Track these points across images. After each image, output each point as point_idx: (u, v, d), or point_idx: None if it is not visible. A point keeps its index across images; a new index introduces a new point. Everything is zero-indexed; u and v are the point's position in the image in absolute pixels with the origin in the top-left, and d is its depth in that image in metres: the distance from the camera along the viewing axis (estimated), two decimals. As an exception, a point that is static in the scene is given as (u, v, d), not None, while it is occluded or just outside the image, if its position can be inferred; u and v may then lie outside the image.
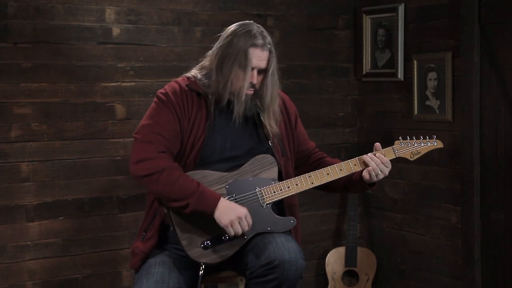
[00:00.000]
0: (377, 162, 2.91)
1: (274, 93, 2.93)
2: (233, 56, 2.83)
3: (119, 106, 3.97)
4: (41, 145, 3.78)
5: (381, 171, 2.92)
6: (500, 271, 3.93)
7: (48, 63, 3.78)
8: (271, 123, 2.94)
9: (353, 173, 2.96)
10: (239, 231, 2.77)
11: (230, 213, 2.75)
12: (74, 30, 3.82)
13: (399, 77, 4.39)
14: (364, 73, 4.63)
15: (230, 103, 2.90)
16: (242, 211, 2.77)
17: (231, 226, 2.76)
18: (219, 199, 2.77)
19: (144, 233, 2.93)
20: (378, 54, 4.54)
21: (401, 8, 4.35)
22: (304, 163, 3.08)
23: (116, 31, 3.94)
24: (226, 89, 2.86)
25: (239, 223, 2.76)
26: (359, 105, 4.73)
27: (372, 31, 4.56)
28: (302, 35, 4.51)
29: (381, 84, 4.56)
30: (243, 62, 2.82)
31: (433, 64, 4.17)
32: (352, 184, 3.01)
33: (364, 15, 4.59)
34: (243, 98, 2.87)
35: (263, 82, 2.90)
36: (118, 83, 3.96)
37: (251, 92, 2.88)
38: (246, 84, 2.85)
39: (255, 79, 2.87)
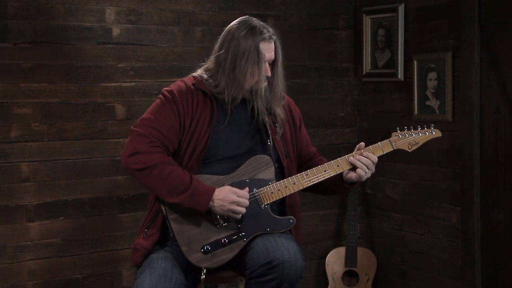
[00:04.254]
0: (367, 162, 2.89)
1: (283, 82, 2.97)
2: (245, 55, 2.85)
3: (119, 106, 3.97)
4: (41, 145, 3.78)
5: (369, 169, 2.90)
6: (500, 271, 3.93)
7: (48, 63, 3.78)
8: (280, 111, 2.96)
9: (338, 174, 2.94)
10: (242, 211, 2.80)
11: (223, 205, 2.78)
12: (74, 30, 3.83)
13: (399, 77, 4.39)
14: (364, 73, 4.63)
15: (242, 101, 2.91)
16: (231, 196, 2.78)
17: (232, 213, 2.79)
18: (211, 197, 2.78)
19: (146, 230, 2.93)
20: (378, 54, 4.54)
21: (401, 8, 4.35)
22: (304, 167, 3.07)
23: (116, 31, 3.94)
24: (242, 88, 2.87)
25: (237, 206, 2.79)
26: (359, 105, 4.73)
27: (372, 31, 4.56)
28: (302, 35, 4.51)
29: (381, 84, 4.56)
30: (256, 58, 2.85)
31: (433, 64, 4.17)
32: (336, 185, 2.99)
33: (364, 15, 4.59)
34: (263, 93, 2.89)
35: (273, 73, 2.93)
36: (118, 83, 3.96)
37: (265, 84, 2.91)
38: (263, 78, 2.87)
39: (269, 71, 2.90)
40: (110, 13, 3.92)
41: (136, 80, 4.01)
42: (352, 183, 2.96)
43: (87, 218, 3.91)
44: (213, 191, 2.80)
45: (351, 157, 2.90)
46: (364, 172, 2.89)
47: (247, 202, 2.81)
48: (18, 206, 3.75)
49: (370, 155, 2.90)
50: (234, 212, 2.79)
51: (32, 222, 3.78)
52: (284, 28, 4.43)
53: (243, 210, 2.81)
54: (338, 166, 2.92)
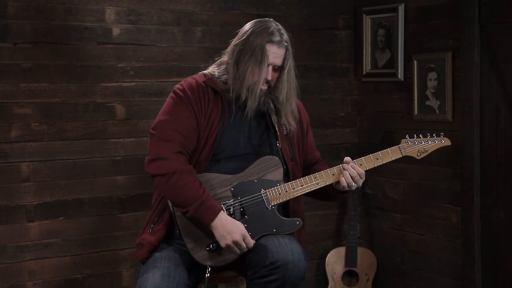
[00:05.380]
0: (353, 174, 2.89)
1: (290, 91, 2.94)
2: (249, 52, 2.85)
3: (119, 106, 3.97)
4: (41, 145, 3.78)
5: (355, 183, 2.90)
6: (500, 271, 3.93)
7: (48, 63, 3.78)
8: (290, 120, 2.95)
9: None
10: (238, 252, 2.78)
11: (226, 237, 2.75)
12: (74, 30, 3.82)
13: (399, 77, 4.39)
14: (364, 73, 4.63)
15: (246, 100, 2.90)
16: (238, 236, 2.75)
17: (229, 248, 2.78)
18: (216, 214, 2.76)
19: (152, 225, 2.93)
20: (378, 54, 4.54)
21: (401, 8, 4.35)
22: (307, 172, 3.05)
23: (116, 31, 3.94)
24: (243, 85, 2.86)
25: (235, 247, 2.77)
26: (359, 105, 4.73)
27: (372, 31, 4.56)
28: (302, 35, 4.51)
29: (381, 84, 4.56)
30: (259, 58, 2.84)
31: (433, 64, 4.17)
32: (330, 191, 2.99)
33: (364, 15, 4.59)
34: (258, 93, 2.87)
35: (279, 79, 2.91)
36: (118, 83, 3.96)
37: (265, 87, 2.90)
38: (262, 80, 2.85)
39: (270, 75, 2.88)
40: (110, 13, 3.92)
41: (136, 80, 4.00)
42: (343, 192, 2.97)
43: (87, 218, 3.91)
44: (219, 210, 2.78)
45: (344, 170, 2.90)
46: (354, 184, 2.89)
47: (245, 250, 2.78)
48: (18, 206, 3.75)
49: (357, 167, 2.90)
50: (229, 248, 2.77)
51: (32, 222, 3.78)
52: (284, 28, 4.41)
53: (238, 253, 2.78)
54: (345, 170, 2.92)
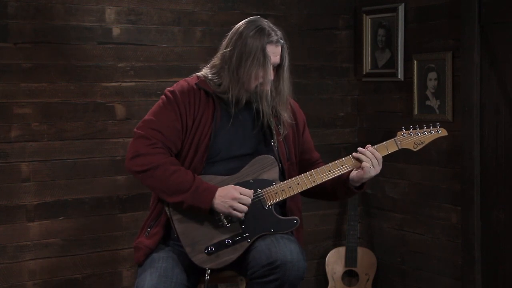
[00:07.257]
0: (370, 156, 2.86)
1: (288, 87, 2.96)
2: (251, 56, 2.83)
3: (119, 106, 3.97)
4: (41, 145, 3.78)
5: (373, 166, 2.86)
6: (500, 271, 3.93)
7: (48, 63, 3.78)
8: (287, 116, 2.95)
9: (342, 175, 2.90)
10: (244, 209, 2.78)
11: (226, 201, 2.77)
12: (74, 30, 3.83)
13: (399, 77, 4.39)
14: (364, 73, 4.63)
15: (246, 102, 2.90)
16: (233, 192, 2.77)
17: (233, 210, 2.78)
18: (213, 195, 2.77)
19: (149, 229, 2.93)
20: (378, 54, 4.54)
21: (401, 8, 4.35)
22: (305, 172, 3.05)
23: (116, 31, 3.94)
24: (246, 88, 2.86)
25: (238, 203, 2.77)
26: (359, 105, 4.73)
27: (372, 31, 4.56)
28: (302, 35, 4.51)
29: (381, 84, 4.56)
30: (262, 60, 2.83)
31: (433, 64, 4.17)
32: (339, 188, 2.96)
33: (364, 15, 4.59)
34: (268, 95, 2.88)
35: (277, 77, 2.92)
36: (118, 83, 3.96)
37: (268, 87, 2.90)
38: (269, 81, 2.85)
39: (272, 75, 2.89)
40: (110, 13, 3.92)
41: (136, 80, 4.01)
42: (358, 187, 2.94)
43: (87, 218, 3.91)
44: (216, 189, 2.79)
45: (355, 153, 2.89)
46: (369, 165, 2.85)
47: (249, 201, 2.79)
48: (18, 206, 3.75)
49: (374, 150, 2.89)
50: (235, 209, 2.78)
51: (32, 222, 3.78)
52: (284, 28, 4.38)
53: (245, 208, 2.79)
54: (342, 165, 2.90)
